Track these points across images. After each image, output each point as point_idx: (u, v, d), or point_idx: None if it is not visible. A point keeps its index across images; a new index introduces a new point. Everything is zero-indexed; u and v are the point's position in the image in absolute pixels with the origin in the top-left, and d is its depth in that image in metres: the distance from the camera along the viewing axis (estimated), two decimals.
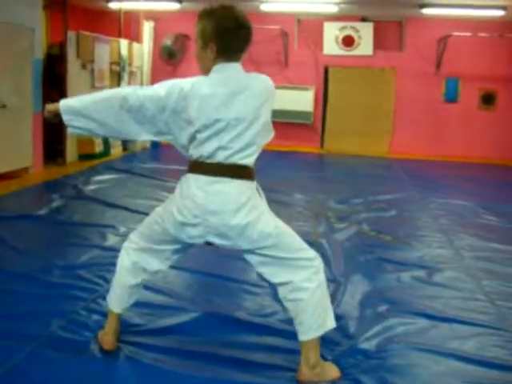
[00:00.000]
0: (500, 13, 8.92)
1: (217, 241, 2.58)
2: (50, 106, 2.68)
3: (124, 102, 2.51)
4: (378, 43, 10.85)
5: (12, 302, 3.38)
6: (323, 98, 11.17)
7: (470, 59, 10.51)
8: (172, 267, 3.93)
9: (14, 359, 2.70)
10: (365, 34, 10.77)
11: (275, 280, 2.64)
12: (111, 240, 4.65)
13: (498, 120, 10.71)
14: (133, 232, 2.89)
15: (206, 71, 2.56)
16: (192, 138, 2.51)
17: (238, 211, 2.49)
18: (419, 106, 10.85)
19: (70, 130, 2.66)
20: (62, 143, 8.17)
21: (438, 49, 10.59)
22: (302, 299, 2.60)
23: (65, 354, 2.79)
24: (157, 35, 11.10)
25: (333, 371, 2.73)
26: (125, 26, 10.28)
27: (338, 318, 3.34)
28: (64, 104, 2.61)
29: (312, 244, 4.68)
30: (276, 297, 3.03)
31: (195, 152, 2.53)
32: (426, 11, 9.29)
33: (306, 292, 2.60)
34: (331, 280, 3.96)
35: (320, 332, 2.66)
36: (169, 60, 11.30)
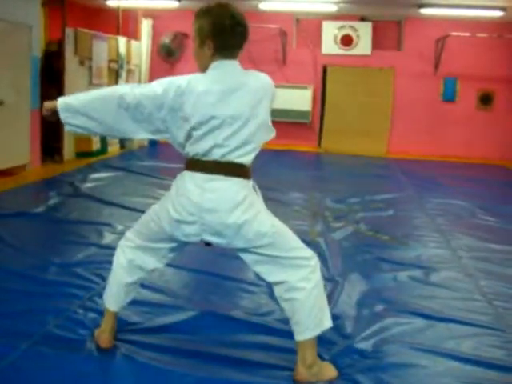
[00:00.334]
0: (499, 13, 8.92)
1: (212, 239, 2.57)
2: (47, 104, 2.67)
3: (121, 101, 2.51)
4: (377, 43, 10.85)
5: (8, 300, 3.37)
6: (321, 98, 11.17)
7: (468, 59, 10.51)
8: (169, 265, 3.94)
9: (10, 357, 2.69)
10: (363, 33, 10.77)
11: (271, 279, 2.64)
12: (108, 238, 4.64)
13: (495, 120, 10.72)
14: (129, 230, 2.89)
15: (203, 69, 2.55)
16: (188, 136, 2.50)
17: (235, 210, 2.49)
18: (417, 105, 10.86)
19: (67, 128, 2.65)
20: (60, 141, 8.16)
21: (436, 49, 10.59)
22: (298, 299, 2.60)
23: (61, 351, 2.78)
24: (155, 33, 11.08)
25: (330, 371, 2.73)
26: (123, 23, 10.26)
27: (334, 317, 3.33)
28: (62, 102, 2.60)
29: (309, 243, 4.69)
30: (273, 296, 3.02)
31: (191, 149, 2.52)
32: (424, 11, 9.29)
33: (303, 292, 2.59)
34: (328, 279, 3.96)
35: (317, 332, 2.65)
36: (167, 58, 11.29)
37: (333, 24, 10.81)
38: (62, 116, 2.59)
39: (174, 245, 2.73)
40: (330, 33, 10.88)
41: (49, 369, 2.64)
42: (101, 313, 3.00)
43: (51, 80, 8.04)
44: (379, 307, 3.54)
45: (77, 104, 2.58)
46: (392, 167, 9.43)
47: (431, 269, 4.31)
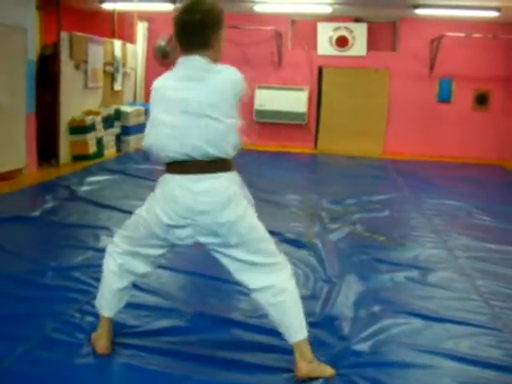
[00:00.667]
0: (494, 14, 8.93)
1: (207, 240, 2.58)
2: None
3: None
4: (372, 44, 10.86)
5: (5, 304, 3.36)
6: (317, 99, 11.17)
7: (463, 60, 10.52)
8: (166, 268, 3.95)
9: (7, 361, 2.69)
10: (358, 34, 10.77)
11: (256, 285, 2.63)
12: (105, 241, 4.60)
13: (491, 120, 10.73)
14: (116, 235, 2.87)
15: None
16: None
17: (227, 207, 2.50)
18: (413, 106, 10.86)
19: None
20: (56, 144, 8.14)
21: (431, 49, 10.60)
22: (286, 300, 2.61)
23: (58, 355, 2.78)
24: (151, 36, 11.08)
25: (328, 370, 2.73)
26: (118, 26, 10.26)
27: (332, 318, 3.36)
28: None
29: (306, 245, 4.70)
30: None
31: (167, 152, 2.56)
32: (419, 12, 9.29)
33: (288, 293, 2.60)
34: (325, 280, 3.96)
35: (306, 330, 2.68)
36: (162, 60, 11.27)
37: (328, 25, 10.81)
38: None
39: (163, 249, 2.73)
40: (326, 34, 10.89)
41: (46, 372, 2.64)
42: (98, 316, 2.99)
43: (46, 84, 8.03)
44: (376, 308, 3.55)
45: None
46: (388, 168, 9.44)
47: (428, 269, 4.31)
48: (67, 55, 8.29)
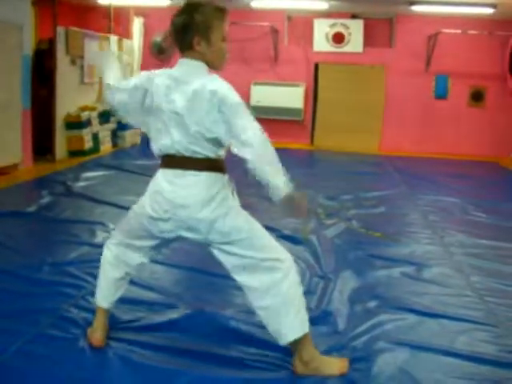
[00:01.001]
0: (489, 10, 8.94)
1: (188, 235, 2.61)
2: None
3: None
4: (368, 40, 10.85)
5: (0, 299, 3.36)
6: (313, 95, 11.17)
7: (459, 56, 10.53)
8: (161, 263, 3.96)
9: (3, 356, 2.69)
10: (355, 31, 10.77)
11: (249, 284, 2.63)
12: (100, 237, 4.63)
13: (487, 117, 10.75)
14: (115, 227, 2.95)
15: None
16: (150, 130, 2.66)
17: (206, 205, 2.52)
18: (409, 102, 10.87)
19: None
20: (52, 140, 8.13)
21: (427, 46, 10.61)
22: (274, 303, 2.59)
23: (53, 351, 2.78)
24: (147, 31, 11.05)
25: (332, 368, 2.69)
26: (115, 22, 10.22)
27: (327, 314, 3.36)
28: None
29: (302, 240, 4.70)
30: None
31: (159, 145, 2.60)
32: (415, 8, 9.30)
33: (278, 296, 2.58)
34: (321, 276, 3.97)
35: (300, 333, 2.62)
36: (159, 56, 11.26)
37: (324, 21, 10.81)
38: None
39: (155, 241, 2.75)
40: (322, 30, 10.88)
41: (41, 368, 2.64)
42: (94, 312, 2.99)
43: (42, 79, 8.01)
44: (372, 304, 3.56)
45: None
46: (384, 164, 9.44)
47: (423, 265, 4.33)
48: (63, 50, 8.27)
